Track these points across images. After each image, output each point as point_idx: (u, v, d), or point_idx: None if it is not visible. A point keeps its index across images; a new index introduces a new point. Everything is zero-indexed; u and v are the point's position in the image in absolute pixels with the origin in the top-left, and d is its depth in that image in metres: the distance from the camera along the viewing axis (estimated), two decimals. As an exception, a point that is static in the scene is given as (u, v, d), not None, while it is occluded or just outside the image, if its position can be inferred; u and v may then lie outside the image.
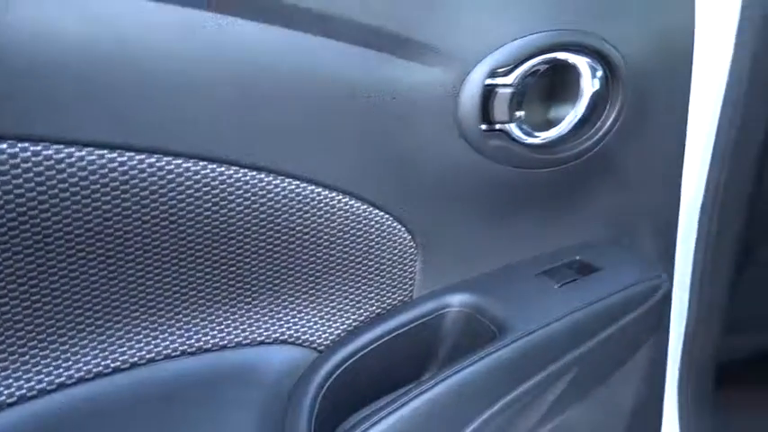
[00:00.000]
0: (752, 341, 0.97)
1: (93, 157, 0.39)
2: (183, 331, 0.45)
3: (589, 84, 0.51)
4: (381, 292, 0.51)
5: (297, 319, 0.48)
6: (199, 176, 0.42)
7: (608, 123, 0.55)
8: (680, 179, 0.65)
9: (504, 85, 0.49)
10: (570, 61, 0.51)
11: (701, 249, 0.78)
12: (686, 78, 0.60)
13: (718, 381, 0.93)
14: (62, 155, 0.38)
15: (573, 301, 0.53)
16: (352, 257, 0.48)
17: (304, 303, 0.48)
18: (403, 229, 0.50)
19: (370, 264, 0.49)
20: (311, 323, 0.48)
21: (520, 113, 0.51)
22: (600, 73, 0.52)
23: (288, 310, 0.48)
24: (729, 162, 0.73)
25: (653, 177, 0.62)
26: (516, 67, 0.50)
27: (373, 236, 0.49)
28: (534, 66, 0.50)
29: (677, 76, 0.60)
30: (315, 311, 0.48)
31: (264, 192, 0.44)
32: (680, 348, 0.86)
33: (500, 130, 0.51)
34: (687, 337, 0.85)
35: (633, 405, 0.69)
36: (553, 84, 0.53)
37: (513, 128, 0.51)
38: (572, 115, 0.52)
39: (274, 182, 0.44)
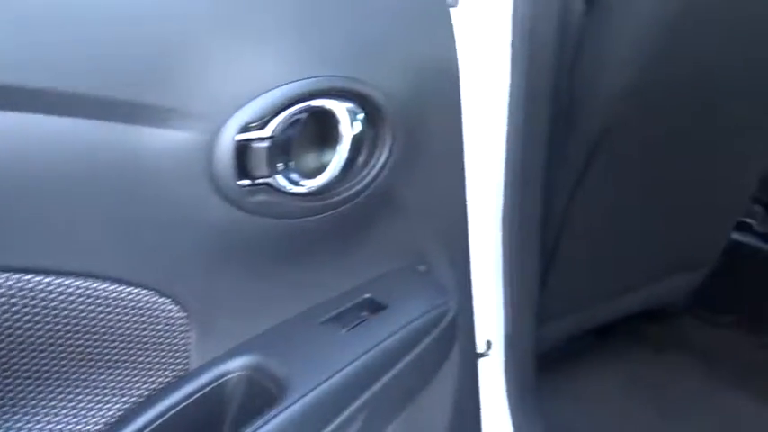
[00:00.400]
0: (561, 330, 1.06)
1: None
2: None
3: (348, 128, 0.51)
4: (149, 373, 0.47)
5: (43, 424, 0.43)
6: None
7: (380, 163, 0.55)
8: (464, 202, 0.68)
9: (261, 139, 0.48)
10: (327, 107, 0.51)
11: (507, 260, 0.83)
12: (456, 109, 0.63)
13: (539, 368, 1.01)
14: None
15: (361, 344, 0.53)
16: (106, 343, 0.44)
17: (51, 404, 0.43)
18: (167, 300, 0.47)
19: (129, 345, 0.45)
20: (62, 424, 0.43)
21: (286, 164, 0.50)
22: (361, 116, 0.52)
23: (30, 415, 0.42)
24: (521, 180, 0.78)
25: (437, 205, 0.64)
26: (271, 119, 0.48)
27: (129, 315, 0.45)
28: (293, 115, 0.49)
29: (446, 107, 0.62)
30: (65, 410, 0.43)
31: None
32: (502, 348, 0.91)
33: (265, 184, 0.49)
34: (507, 338, 0.90)
35: (448, 415, 0.71)
36: (321, 130, 0.52)
37: (279, 179, 0.50)
38: (336, 160, 0.52)
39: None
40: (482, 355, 0.90)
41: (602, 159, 0.82)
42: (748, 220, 1.30)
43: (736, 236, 1.25)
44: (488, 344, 0.90)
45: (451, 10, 0.68)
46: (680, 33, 0.75)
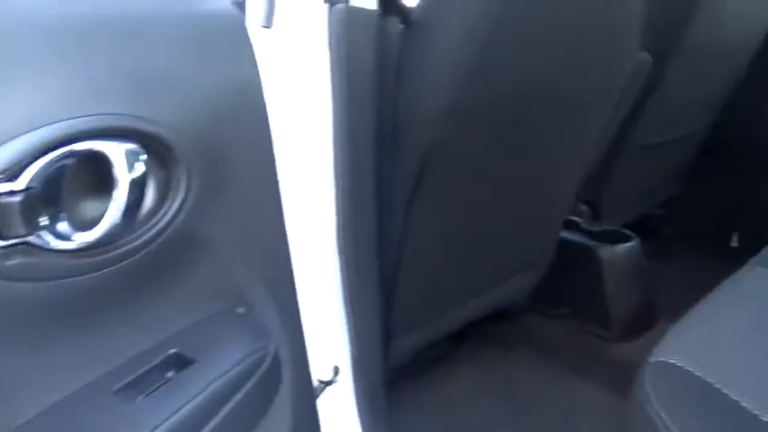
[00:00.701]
0: (412, 343, 1.07)
1: None
2: None
3: (124, 171, 0.45)
4: None
5: None
6: None
7: (175, 206, 0.50)
8: (284, 233, 0.65)
9: (10, 192, 0.41)
10: (96, 150, 0.45)
11: (347, 286, 0.81)
12: (264, 138, 0.59)
13: (392, 383, 1.01)
14: None
15: (163, 409, 0.48)
16: None
17: None
18: None
19: None
20: None
21: (53, 217, 0.43)
22: (144, 156, 0.47)
23: None
24: (352, 207, 0.76)
25: (252, 241, 0.60)
26: (25, 167, 0.41)
27: None
28: (56, 161, 0.43)
29: (252, 137, 0.58)
30: None
31: None
32: (351, 372, 0.90)
33: (23, 244, 0.42)
34: (355, 362, 0.89)
35: None
36: (96, 176, 0.46)
37: (43, 236, 0.43)
38: (113, 208, 0.46)
39: None
40: (329, 382, 0.88)
41: (430, 180, 0.83)
42: (575, 219, 1.41)
43: (565, 234, 1.35)
44: (336, 370, 0.88)
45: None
46: (494, 54, 0.78)
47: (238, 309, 0.59)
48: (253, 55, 0.57)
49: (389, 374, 1.06)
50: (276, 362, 0.57)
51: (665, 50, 1.16)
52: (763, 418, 0.57)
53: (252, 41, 0.58)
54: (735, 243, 1.65)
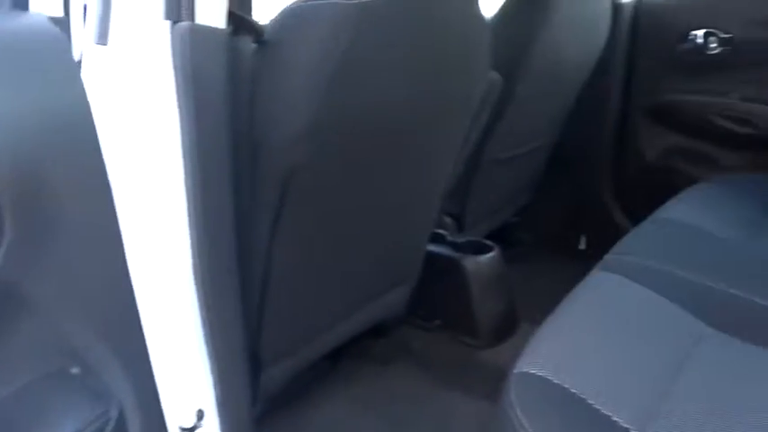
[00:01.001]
0: (287, 369, 1.04)
1: None
2: None
3: None
4: None
5: None
6: None
7: None
8: (127, 279, 0.58)
9: None
10: None
11: (207, 326, 0.75)
12: (97, 173, 0.52)
13: (261, 415, 0.96)
14: None
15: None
16: None
17: None
18: None
19: None
20: None
21: None
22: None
23: None
24: (208, 237, 0.71)
25: (87, 292, 0.53)
26: None
27: None
28: None
29: (81, 174, 0.51)
30: None
31: None
32: (216, 410, 0.84)
33: None
34: (219, 403, 0.83)
35: None
36: None
37: None
38: None
39: None
40: (192, 428, 0.81)
41: (294, 198, 0.80)
42: (441, 232, 1.46)
43: (431, 247, 1.38)
44: (200, 414, 0.82)
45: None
46: (348, 80, 0.76)
47: (73, 369, 0.52)
48: (77, 76, 0.50)
49: (263, 405, 1.01)
50: (120, 424, 0.51)
51: (513, 73, 1.24)
52: (614, 418, 0.61)
53: (75, 60, 0.51)
54: (582, 245, 1.81)
